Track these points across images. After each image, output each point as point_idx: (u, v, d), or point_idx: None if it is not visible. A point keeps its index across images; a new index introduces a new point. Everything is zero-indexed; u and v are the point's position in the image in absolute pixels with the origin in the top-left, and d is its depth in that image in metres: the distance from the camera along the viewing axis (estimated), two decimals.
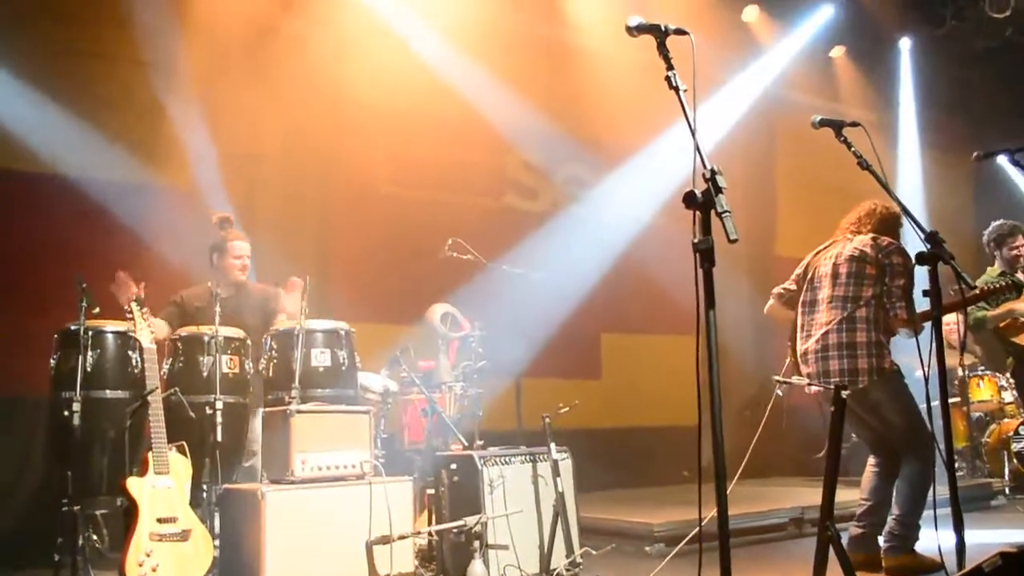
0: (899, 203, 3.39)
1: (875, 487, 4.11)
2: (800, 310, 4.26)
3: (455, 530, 3.83)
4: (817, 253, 4.33)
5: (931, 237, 3.15)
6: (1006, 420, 7.22)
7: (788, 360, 4.29)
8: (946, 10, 9.30)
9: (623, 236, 7.31)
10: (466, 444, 4.43)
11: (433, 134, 6.82)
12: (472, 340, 5.09)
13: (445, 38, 6.70)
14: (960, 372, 7.44)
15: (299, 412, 3.72)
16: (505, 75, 6.80)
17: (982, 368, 7.63)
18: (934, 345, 3.12)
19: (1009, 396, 7.28)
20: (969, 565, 2.40)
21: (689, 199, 2.24)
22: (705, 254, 2.23)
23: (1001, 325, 5.88)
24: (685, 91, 2.41)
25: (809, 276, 4.27)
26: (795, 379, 3.75)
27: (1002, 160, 9.30)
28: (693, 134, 2.31)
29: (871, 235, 4.11)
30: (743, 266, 8.70)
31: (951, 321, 7.95)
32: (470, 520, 3.78)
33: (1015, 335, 5.82)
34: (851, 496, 4.36)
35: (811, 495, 5.86)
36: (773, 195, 9.75)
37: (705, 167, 2.27)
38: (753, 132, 8.70)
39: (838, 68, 9.44)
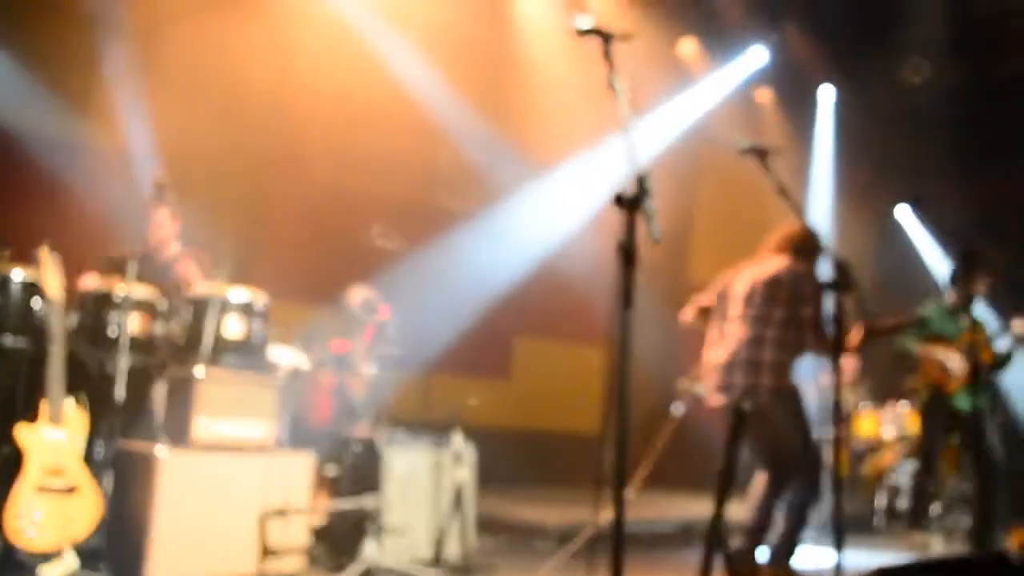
0: (809, 229, 3.59)
1: (763, 502, 4.30)
2: (712, 323, 4.44)
3: (350, 510, 3.84)
4: (737, 270, 4.52)
5: (839, 265, 3.34)
6: (883, 453, 7.65)
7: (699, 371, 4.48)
8: (867, 67, 9.83)
9: (544, 242, 7.44)
10: (372, 427, 4.45)
11: (370, 122, 6.79)
12: (388, 327, 5.11)
13: (389, 29, 6.72)
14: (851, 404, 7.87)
15: (205, 377, 3.67)
16: (445, 72, 6.85)
17: (864, 403, 8.05)
18: (831, 375, 3.29)
19: (889, 432, 7.71)
20: None
21: (619, 199, 2.35)
22: (627, 254, 2.33)
23: (925, 364, 5.99)
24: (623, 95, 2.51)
25: (727, 293, 4.46)
26: (697, 388, 3.90)
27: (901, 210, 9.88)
28: (627, 133, 2.41)
29: (788, 261, 4.31)
30: (657, 290, 8.95)
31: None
32: (367, 501, 3.80)
33: (934, 377, 5.92)
34: (738, 510, 4.55)
35: (704, 506, 6.08)
36: (690, 223, 10.07)
37: (637, 169, 2.38)
38: (677, 163, 8.98)
39: (762, 109, 9.82)
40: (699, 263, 9.93)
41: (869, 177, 9.96)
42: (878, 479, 7.46)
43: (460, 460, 4.25)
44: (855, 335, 4.28)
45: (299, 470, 3.85)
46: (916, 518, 6.19)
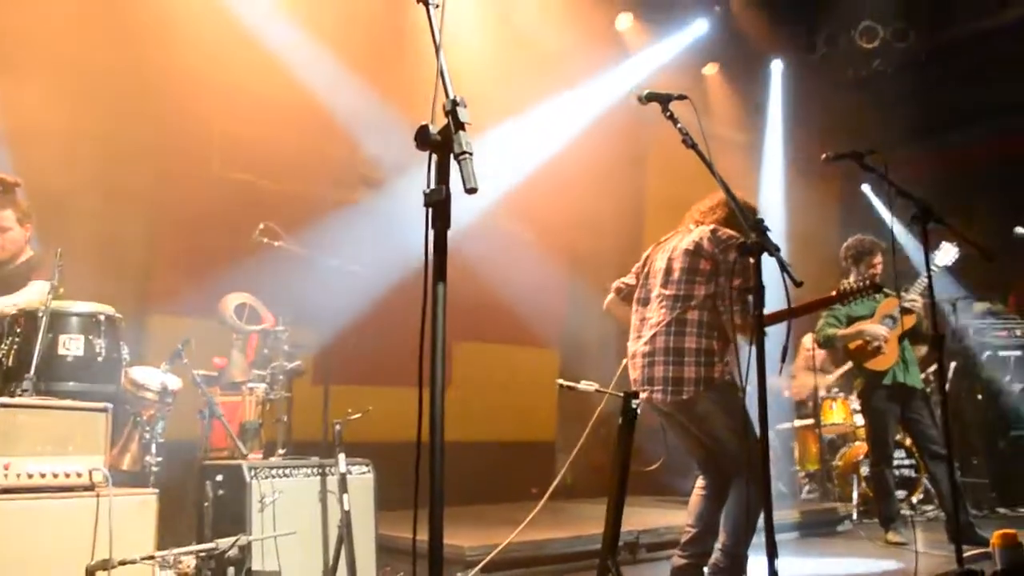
0: (725, 187, 3.01)
1: (702, 512, 3.70)
2: (634, 308, 3.85)
3: (203, 554, 3.21)
4: (658, 245, 3.94)
5: (756, 225, 2.77)
6: (857, 443, 7.09)
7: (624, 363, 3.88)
8: (818, 37, 9.34)
9: (470, 238, 6.85)
10: (244, 452, 3.83)
11: (268, 116, 6.18)
12: (277, 337, 4.50)
13: (283, 15, 6.10)
14: (820, 393, 7.32)
15: (3, 406, 3.04)
16: (348, 59, 6.23)
17: (836, 390, 7.51)
18: (753, 352, 2.72)
19: (861, 419, 7.15)
20: None
21: (421, 136, 1.76)
22: (438, 208, 1.74)
23: (851, 346, 5.65)
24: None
25: (646, 271, 3.87)
26: (581, 384, 3.28)
27: (866, 188, 9.41)
28: (437, 52, 1.83)
29: (711, 227, 3.72)
30: (610, 279, 8.39)
31: (810, 347, 7.84)
32: (222, 543, 3.17)
33: (865, 359, 5.59)
34: (681, 520, 3.96)
35: (654, 516, 5.49)
36: (642, 213, 9.51)
37: (448, 96, 1.79)
38: (623, 145, 8.42)
39: (710, 85, 9.28)
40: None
41: (827, 150, 9.41)
42: (853, 471, 6.88)
43: (345, 484, 3.61)
44: (772, 316, 3.71)
45: (138, 511, 3.21)
46: (883, 516, 5.62)
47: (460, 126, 1.74)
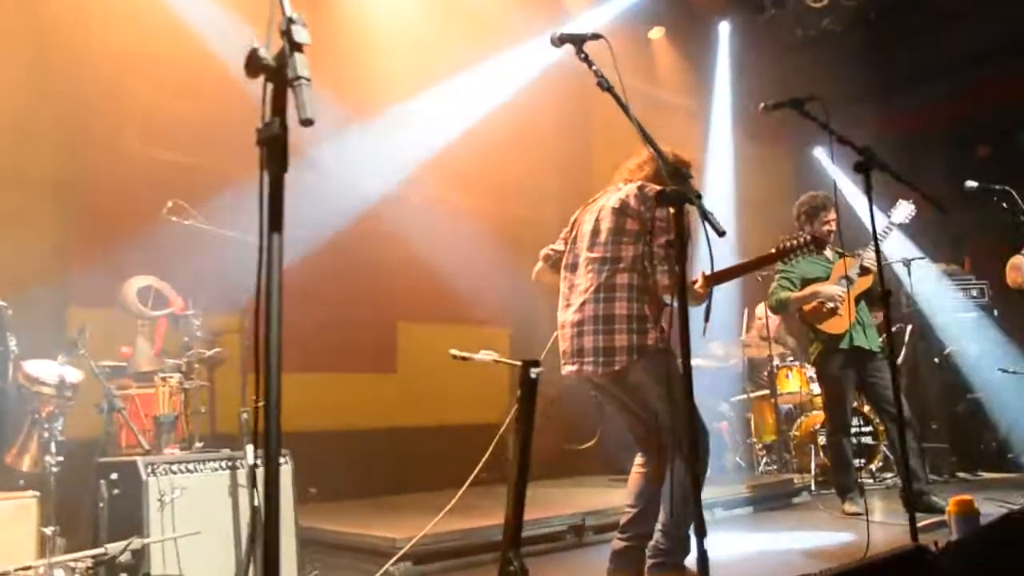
0: (643, 132, 2.73)
1: (641, 490, 3.45)
2: (562, 275, 3.57)
3: (91, 560, 2.90)
4: (586, 206, 3.66)
5: (675, 172, 2.50)
6: (814, 412, 6.92)
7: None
8: None
9: (399, 209, 6.53)
10: (145, 447, 3.52)
11: (188, 89, 5.78)
12: (188, 321, 4.17)
13: None
14: (772, 362, 7.14)
15: None
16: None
17: (791, 359, 7.35)
18: (676, 308, 2.44)
19: (818, 388, 6.99)
20: None
21: (251, 61, 1.46)
22: (272, 146, 1.44)
23: (806, 308, 5.44)
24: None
25: (574, 234, 3.60)
26: (479, 355, 2.99)
27: (820, 151, 9.22)
28: None
29: (638, 183, 3.45)
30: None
31: (763, 315, 7.66)
32: (112, 547, 2.87)
33: (820, 321, 5.38)
34: (621, 500, 3.72)
35: (603, 497, 5.26)
36: (588, 176, 9.25)
37: (284, 14, 1.49)
38: (564, 110, 8.12)
39: (657, 50, 9.03)
40: None
41: (777, 116, 9.21)
42: (811, 441, 6.71)
43: (254, 478, 3.31)
44: (712, 276, 3.47)
45: (15, 518, 2.90)
46: (840, 487, 5.44)
47: (296, 47, 1.44)
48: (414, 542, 3.66)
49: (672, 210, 2.23)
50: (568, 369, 3.39)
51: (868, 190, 3.42)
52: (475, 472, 3.32)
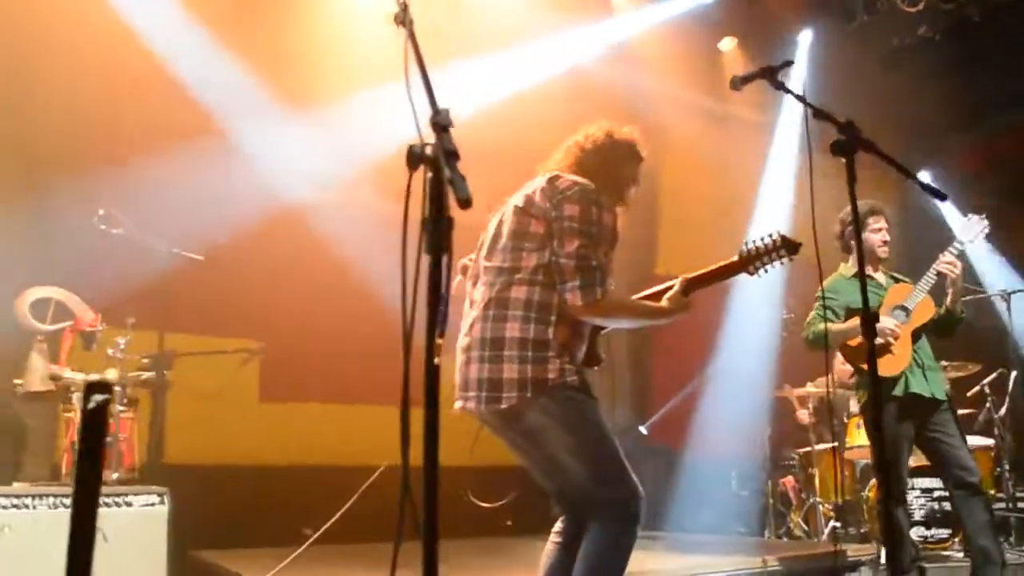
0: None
1: (552, 566, 2.71)
2: (468, 290, 2.91)
3: None
4: (502, 204, 2.99)
5: (433, 119, 1.75)
6: None
7: None
8: (856, 3, 8.16)
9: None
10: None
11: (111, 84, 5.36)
12: (96, 337, 3.78)
13: None
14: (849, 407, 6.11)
15: None
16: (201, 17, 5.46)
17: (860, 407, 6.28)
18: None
19: None
20: None
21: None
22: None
23: (851, 344, 4.50)
24: None
25: (481, 240, 2.93)
26: None
27: (925, 175, 8.09)
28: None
29: (552, 173, 2.76)
30: (622, 285, 7.40)
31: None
32: None
33: (865, 360, 4.41)
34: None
35: None
36: (656, 208, 8.49)
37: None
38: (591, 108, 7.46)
39: (728, 63, 8.21)
40: (667, 253, 8.32)
41: (865, 131, 8.17)
42: None
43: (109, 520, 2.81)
44: (677, 287, 2.76)
45: None
46: (894, 567, 4.40)
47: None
48: None
49: (424, 170, 1.54)
50: (456, 406, 2.71)
51: (851, 179, 2.63)
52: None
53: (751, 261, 2.81)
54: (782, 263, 2.85)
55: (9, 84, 4.74)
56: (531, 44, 6.87)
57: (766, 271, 2.88)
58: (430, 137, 1.61)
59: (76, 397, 3.70)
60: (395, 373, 1.58)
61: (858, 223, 2.64)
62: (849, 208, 4.53)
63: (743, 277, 2.89)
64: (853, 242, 4.44)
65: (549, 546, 2.77)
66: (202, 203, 4.56)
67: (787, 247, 2.80)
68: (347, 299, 5.51)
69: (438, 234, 1.50)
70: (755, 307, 7.24)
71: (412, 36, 1.75)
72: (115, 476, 3.70)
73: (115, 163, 4.59)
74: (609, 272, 2.68)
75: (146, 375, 4.17)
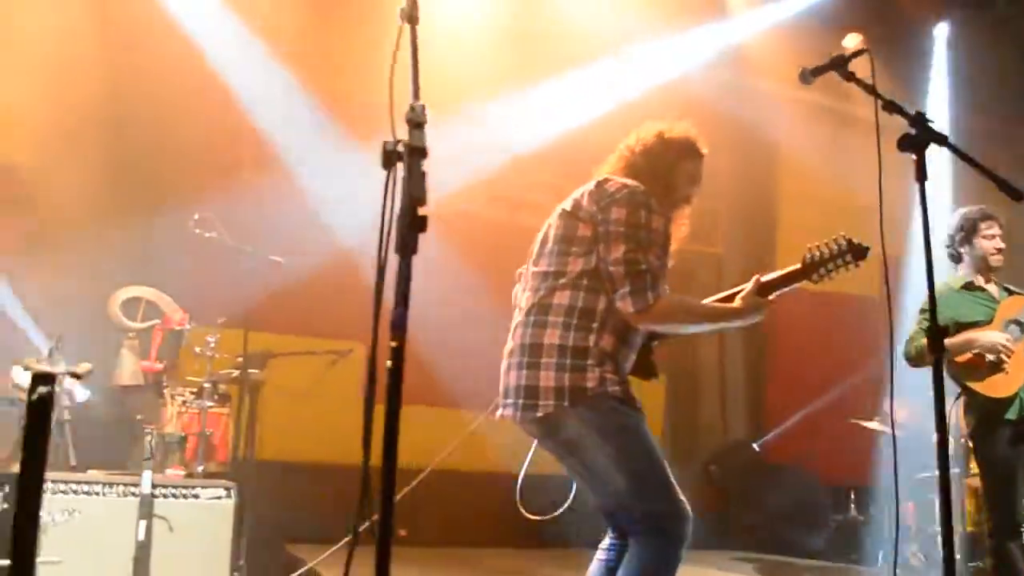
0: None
1: None
2: (518, 297, 2.84)
3: None
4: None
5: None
6: None
7: None
8: None
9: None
10: (72, 463, 3.27)
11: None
12: (184, 338, 3.95)
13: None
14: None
15: None
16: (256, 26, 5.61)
17: None
18: None
19: None
20: None
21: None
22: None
23: (959, 361, 4.12)
24: None
25: (533, 246, 2.85)
26: None
27: None
28: None
29: (603, 177, 2.65)
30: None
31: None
32: None
33: (978, 379, 4.06)
34: None
35: None
36: (773, 208, 8.16)
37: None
38: (746, 137, 7.23)
39: (853, 61, 7.74)
40: (786, 261, 7.93)
41: (1005, 133, 7.54)
42: None
43: (150, 508, 2.93)
44: (751, 287, 2.61)
45: None
46: None
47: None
48: None
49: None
50: (497, 413, 2.65)
51: (921, 176, 2.40)
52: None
53: (815, 268, 2.61)
54: (848, 269, 2.63)
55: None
56: (641, 49, 6.75)
57: (831, 278, 2.67)
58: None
59: (167, 392, 3.88)
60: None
61: (927, 228, 2.37)
62: (960, 213, 4.23)
63: None
64: (963, 250, 4.16)
65: (593, 564, 2.67)
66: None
67: (853, 252, 2.59)
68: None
69: (410, 234, 1.46)
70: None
71: (413, 35, 1.72)
72: (200, 468, 3.87)
73: (217, 175, 4.85)
74: (663, 276, 2.55)
75: (236, 372, 4.30)
